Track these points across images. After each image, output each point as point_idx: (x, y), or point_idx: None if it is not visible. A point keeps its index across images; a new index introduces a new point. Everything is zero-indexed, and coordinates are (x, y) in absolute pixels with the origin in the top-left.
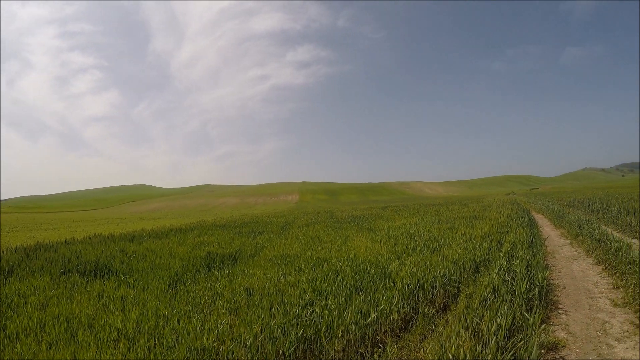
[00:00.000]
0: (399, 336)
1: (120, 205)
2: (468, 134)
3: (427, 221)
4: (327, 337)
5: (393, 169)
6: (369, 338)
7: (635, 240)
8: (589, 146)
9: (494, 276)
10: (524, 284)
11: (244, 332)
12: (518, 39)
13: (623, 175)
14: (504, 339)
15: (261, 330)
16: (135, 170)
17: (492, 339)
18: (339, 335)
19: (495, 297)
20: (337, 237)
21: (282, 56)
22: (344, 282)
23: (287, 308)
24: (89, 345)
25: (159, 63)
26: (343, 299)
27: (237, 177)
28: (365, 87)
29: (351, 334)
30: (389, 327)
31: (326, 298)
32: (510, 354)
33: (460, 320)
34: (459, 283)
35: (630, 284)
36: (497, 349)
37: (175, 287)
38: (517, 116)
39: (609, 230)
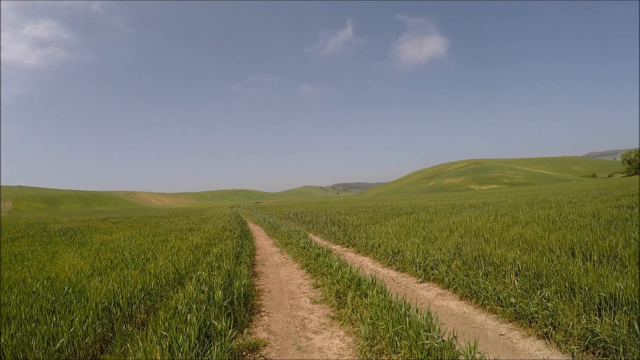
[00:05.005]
0: (98, 359)
1: None
2: (190, 146)
3: (143, 234)
4: None
5: (122, 177)
6: None
7: (338, 246)
8: (309, 167)
9: (190, 288)
10: (220, 292)
11: None
12: (260, 68)
13: (338, 193)
14: (194, 347)
15: None
16: None
17: (179, 350)
18: None
19: (189, 308)
20: (44, 253)
21: (19, 27)
22: (36, 305)
23: None
24: None
25: None
26: (33, 324)
27: None
28: (103, 84)
29: None
30: (84, 351)
31: (11, 325)
32: None
33: (149, 335)
34: (162, 296)
35: (326, 283)
36: (186, 358)
37: None
38: (252, 136)
39: (317, 239)
